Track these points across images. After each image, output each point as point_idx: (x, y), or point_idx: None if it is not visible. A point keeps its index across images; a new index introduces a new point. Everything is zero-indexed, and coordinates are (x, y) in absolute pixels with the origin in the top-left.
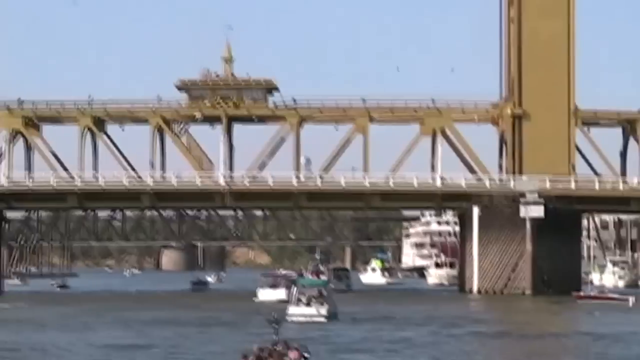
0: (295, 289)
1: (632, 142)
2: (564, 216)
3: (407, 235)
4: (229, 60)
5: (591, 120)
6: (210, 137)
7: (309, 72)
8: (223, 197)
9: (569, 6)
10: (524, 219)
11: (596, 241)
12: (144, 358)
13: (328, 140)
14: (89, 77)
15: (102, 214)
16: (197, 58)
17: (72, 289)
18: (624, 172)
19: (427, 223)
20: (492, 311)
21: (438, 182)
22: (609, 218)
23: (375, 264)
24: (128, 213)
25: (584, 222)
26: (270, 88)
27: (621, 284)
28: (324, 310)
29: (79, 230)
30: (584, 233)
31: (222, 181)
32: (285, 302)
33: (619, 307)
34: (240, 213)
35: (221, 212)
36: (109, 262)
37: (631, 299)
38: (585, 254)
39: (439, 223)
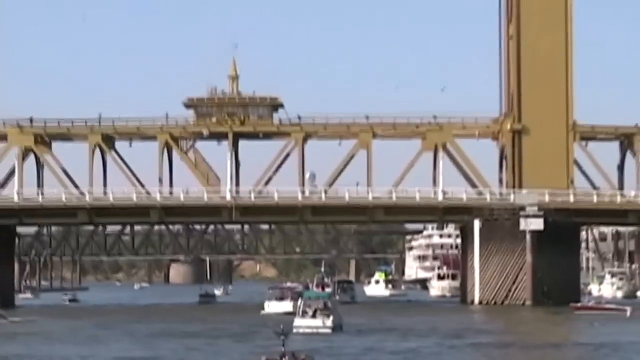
0: (301, 301)
1: (629, 156)
2: (563, 229)
3: (410, 248)
4: (235, 78)
5: (589, 135)
6: (217, 153)
7: (313, 89)
8: (230, 212)
9: (567, 23)
10: (524, 232)
11: (595, 253)
12: None
13: (332, 155)
14: (98, 95)
15: (112, 228)
16: (204, 76)
17: (82, 303)
18: (621, 186)
19: (430, 236)
20: (493, 322)
21: (440, 196)
22: (607, 230)
23: (379, 276)
24: (137, 228)
25: (583, 234)
26: (275, 105)
27: (619, 294)
28: (329, 322)
29: (89, 245)
30: (583, 245)
31: (228, 196)
32: (292, 314)
33: (617, 317)
34: (246, 227)
35: (228, 227)
36: (118, 276)
37: (628, 310)
38: (584, 265)
39: (441, 236)
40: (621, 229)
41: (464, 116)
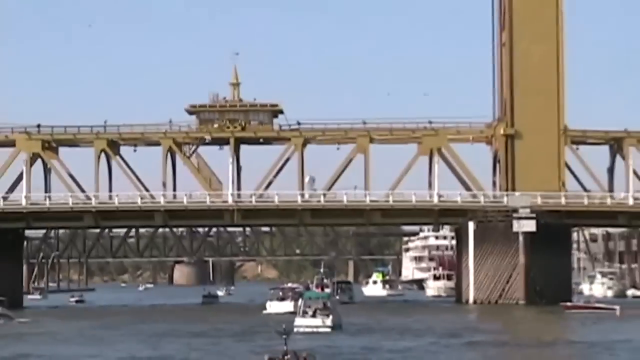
0: (301, 301)
1: (618, 159)
2: (555, 230)
3: (407, 250)
4: (236, 85)
5: (580, 139)
6: (218, 158)
7: (312, 96)
8: (232, 215)
9: (558, 31)
10: (517, 233)
11: (586, 253)
12: None
13: (330, 160)
14: (104, 102)
15: (118, 231)
16: (206, 83)
17: (88, 303)
18: (611, 188)
19: (426, 238)
20: (488, 321)
21: (435, 199)
22: (598, 231)
23: (377, 276)
24: (142, 231)
25: (574, 235)
26: (275, 111)
27: (610, 294)
28: (329, 321)
29: (95, 247)
30: (574, 246)
31: (230, 200)
32: (293, 314)
33: (607, 316)
34: (248, 230)
35: (230, 229)
36: (124, 277)
37: (618, 308)
38: (575, 265)
39: (436, 238)
40: (611, 230)
41: (458, 121)
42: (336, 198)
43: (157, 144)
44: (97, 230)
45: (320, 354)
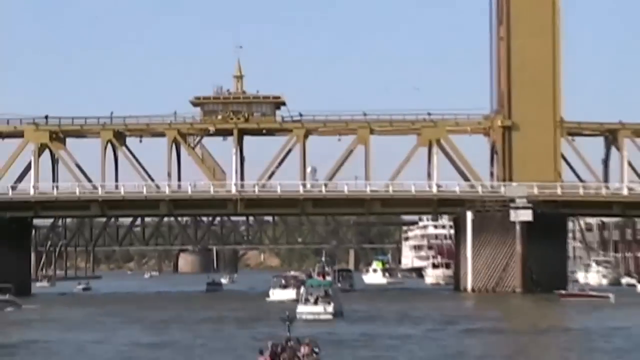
0: (303, 289)
1: (613, 150)
2: (551, 220)
3: (406, 239)
4: (239, 78)
5: (575, 131)
6: (222, 149)
7: (314, 88)
8: (235, 205)
9: (554, 25)
10: (514, 223)
11: (581, 242)
12: (164, 354)
13: (332, 151)
14: (110, 94)
15: (124, 220)
16: (210, 76)
17: (95, 291)
18: (606, 179)
19: (425, 227)
20: (485, 308)
21: (434, 189)
22: (593, 221)
23: (377, 265)
24: (147, 220)
25: (570, 225)
26: (278, 103)
27: (605, 282)
28: (330, 309)
29: (102, 236)
30: (570, 235)
31: (234, 190)
32: (295, 302)
33: (601, 304)
34: (251, 219)
35: (234, 218)
36: (130, 265)
37: (611, 296)
38: (571, 254)
39: (435, 227)
40: (606, 219)
41: (457, 113)
42: (337, 188)
43: (162, 135)
44: (104, 219)
45: (322, 341)
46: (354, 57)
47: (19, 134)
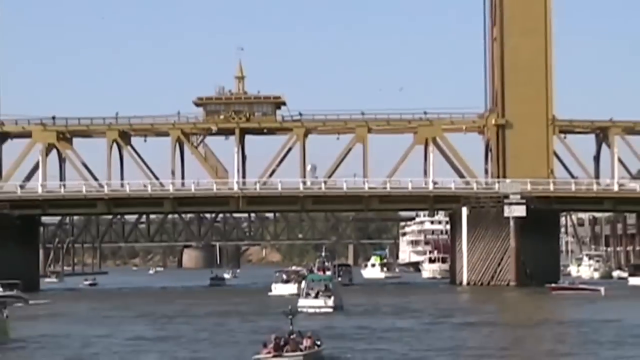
0: (304, 283)
1: (604, 147)
2: (544, 215)
3: (404, 234)
4: (241, 79)
5: (567, 129)
6: (224, 148)
7: (313, 88)
8: (237, 202)
9: (546, 26)
10: (507, 218)
11: (573, 237)
12: (168, 348)
13: (331, 149)
14: (115, 95)
15: (129, 218)
16: (213, 77)
17: (101, 286)
18: (597, 175)
19: (421, 223)
20: (480, 302)
21: (430, 186)
22: (585, 216)
23: (375, 260)
24: (152, 217)
25: (562, 220)
26: (278, 103)
27: (596, 275)
28: (330, 302)
29: (108, 232)
30: (562, 230)
31: (236, 187)
32: (297, 296)
33: (591, 297)
34: (253, 216)
35: (236, 215)
36: (135, 261)
37: (602, 289)
38: (563, 248)
39: (431, 222)
40: (597, 214)
41: (452, 112)
42: (336, 185)
43: (166, 134)
44: (110, 217)
45: (323, 333)
46: (351, 58)
47: (27, 134)
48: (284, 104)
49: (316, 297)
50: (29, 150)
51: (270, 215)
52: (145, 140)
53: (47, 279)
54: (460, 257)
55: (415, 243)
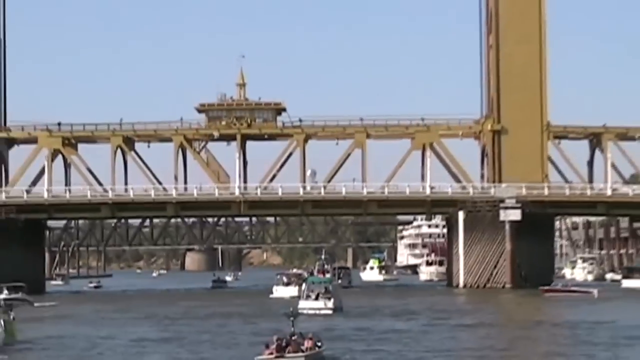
0: (305, 285)
1: (597, 153)
2: (539, 219)
3: (402, 237)
4: (242, 86)
5: (561, 134)
6: (226, 153)
7: (313, 95)
8: (239, 206)
9: (541, 34)
10: (503, 222)
11: (568, 240)
12: (171, 349)
13: (330, 154)
14: (119, 102)
15: (133, 221)
16: (215, 84)
17: (105, 288)
18: (591, 180)
19: (419, 226)
20: (476, 303)
21: (428, 191)
22: (579, 220)
23: (374, 262)
24: (155, 221)
25: (557, 223)
26: (279, 109)
27: (590, 277)
28: (330, 304)
29: (112, 236)
30: (557, 233)
31: (237, 192)
32: (298, 298)
33: (583, 299)
34: (254, 219)
35: (237, 219)
36: (139, 264)
37: (594, 292)
38: (558, 252)
39: (429, 226)
40: (591, 218)
41: (449, 118)
42: (336, 190)
43: (169, 140)
44: (114, 221)
45: (323, 334)
46: (350, 65)
47: (33, 140)
48: (284, 110)
49: (316, 299)
50: (35, 155)
51: (271, 219)
52: (148, 146)
53: (53, 282)
54: (457, 260)
55: (413, 246)
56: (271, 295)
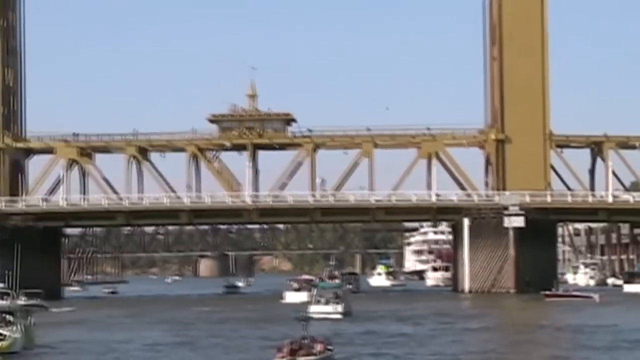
0: (315, 290)
1: (599, 161)
2: (542, 225)
3: (408, 244)
4: (253, 97)
5: (563, 143)
6: (238, 163)
7: (321, 106)
8: (250, 214)
9: (543, 45)
10: (507, 229)
11: (570, 246)
12: (185, 353)
13: (339, 163)
14: (134, 113)
15: (148, 229)
16: (226, 95)
17: (121, 294)
18: (592, 187)
19: (425, 233)
20: (481, 308)
21: (433, 198)
22: (581, 226)
23: (381, 268)
24: (169, 228)
25: (559, 230)
26: (288, 120)
27: (592, 282)
28: (340, 309)
29: (128, 243)
30: (559, 239)
31: (249, 200)
32: (308, 303)
33: (584, 303)
34: (265, 227)
35: (249, 226)
36: (154, 270)
37: (595, 296)
38: (560, 257)
39: (435, 233)
40: (593, 225)
41: (454, 128)
42: (344, 198)
43: (183, 150)
44: (129, 228)
45: (333, 338)
46: (358, 77)
47: (50, 150)
48: (294, 120)
49: (326, 303)
50: (53, 165)
51: (282, 226)
52: (162, 156)
53: (71, 288)
54: (462, 266)
55: (419, 252)
56: (282, 301)
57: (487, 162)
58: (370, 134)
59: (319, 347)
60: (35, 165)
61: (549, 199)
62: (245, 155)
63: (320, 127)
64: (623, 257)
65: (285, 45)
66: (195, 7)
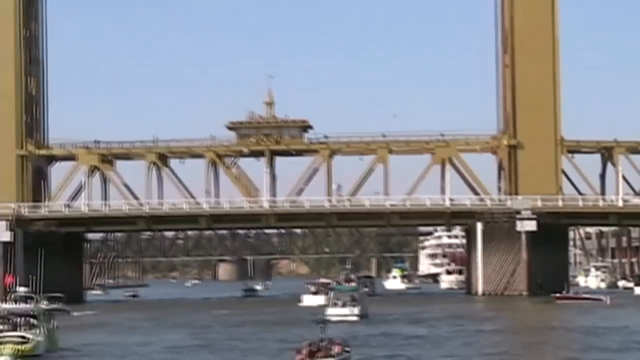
0: (332, 293)
1: (609, 166)
2: (554, 229)
3: (423, 248)
4: (270, 104)
5: (574, 149)
6: (255, 169)
7: (337, 112)
8: (268, 218)
9: (554, 52)
10: (519, 232)
11: (581, 250)
12: (204, 355)
13: (354, 169)
14: (154, 120)
15: (168, 234)
16: (244, 103)
17: (141, 298)
18: (603, 192)
19: (439, 237)
20: (494, 310)
21: (447, 203)
22: (592, 230)
23: (396, 272)
24: (189, 233)
25: (571, 234)
26: (305, 126)
27: (603, 285)
28: (356, 311)
29: (148, 248)
30: (571, 243)
31: (266, 205)
32: (326, 306)
33: (595, 305)
34: (282, 231)
35: (267, 231)
36: (174, 274)
37: (605, 298)
38: (572, 260)
39: (449, 237)
40: (603, 228)
41: (467, 134)
42: (360, 203)
43: (202, 156)
44: (150, 233)
45: (350, 341)
46: (373, 84)
47: (72, 157)
48: (310, 127)
49: (343, 306)
50: (75, 172)
51: (299, 230)
52: (182, 162)
53: (93, 292)
54: (475, 269)
55: (433, 256)
56: (300, 304)
57: (500, 167)
58: (385, 140)
59: (336, 348)
60: (57, 172)
61: (560, 203)
62: (263, 161)
63: (336, 134)
64: (633, 260)
65: (302, 54)
66: (214, 16)
